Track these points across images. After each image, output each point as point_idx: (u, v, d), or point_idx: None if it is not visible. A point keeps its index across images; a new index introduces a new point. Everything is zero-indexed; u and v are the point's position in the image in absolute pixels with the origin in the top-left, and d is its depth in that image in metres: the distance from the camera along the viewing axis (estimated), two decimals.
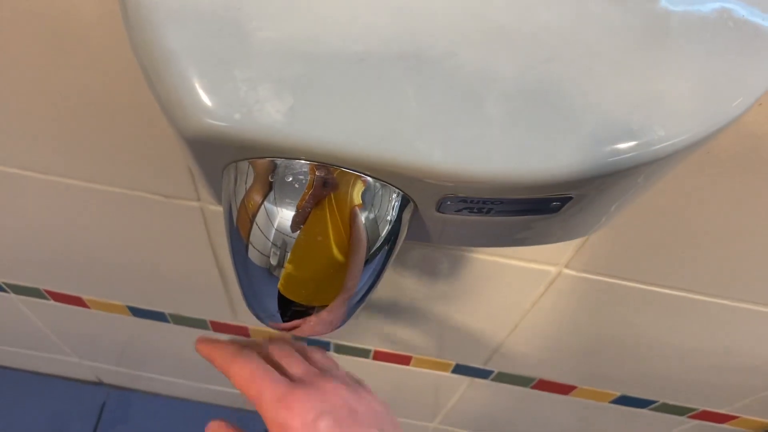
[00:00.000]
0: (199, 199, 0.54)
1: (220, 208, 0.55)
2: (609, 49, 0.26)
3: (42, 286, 0.84)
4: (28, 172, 0.55)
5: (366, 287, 0.33)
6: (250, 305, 0.34)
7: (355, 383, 0.40)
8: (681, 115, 0.26)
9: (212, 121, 0.26)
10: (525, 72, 0.26)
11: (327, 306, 0.33)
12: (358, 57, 0.26)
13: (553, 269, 0.56)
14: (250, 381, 0.36)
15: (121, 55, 0.40)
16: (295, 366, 0.39)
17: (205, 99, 0.26)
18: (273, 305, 0.33)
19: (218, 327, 0.87)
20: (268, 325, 0.35)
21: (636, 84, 0.26)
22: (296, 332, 0.35)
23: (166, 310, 0.84)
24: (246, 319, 0.83)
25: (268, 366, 0.38)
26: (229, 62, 0.26)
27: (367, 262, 0.32)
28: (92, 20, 0.38)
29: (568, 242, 0.52)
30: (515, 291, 0.61)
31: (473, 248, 0.56)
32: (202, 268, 0.68)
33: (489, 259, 0.56)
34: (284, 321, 0.34)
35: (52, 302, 0.88)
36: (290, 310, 0.33)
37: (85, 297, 0.85)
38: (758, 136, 0.39)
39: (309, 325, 0.34)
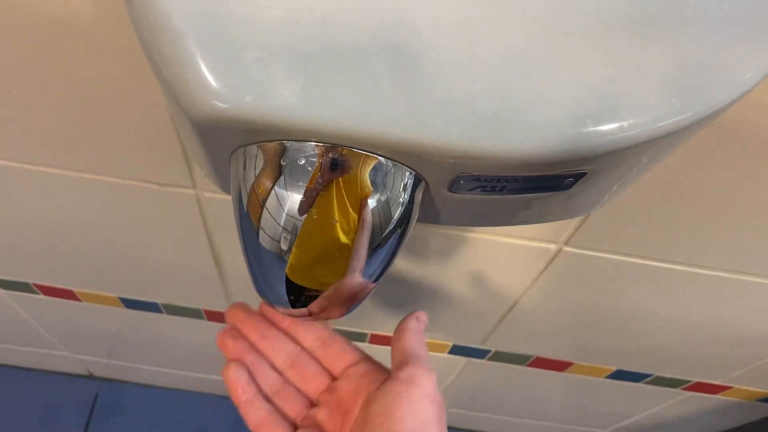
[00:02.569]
0: (194, 187, 0.53)
1: (216, 195, 0.54)
2: (623, 22, 0.26)
3: (31, 281, 0.82)
4: (15, 163, 0.54)
5: (378, 271, 0.33)
6: (261, 291, 0.34)
7: None
8: (696, 87, 0.26)
9: (222, 104, 0.25)
10: (542, 46, 0.25)
11: (339, 291, 0.32)
12: (371, 34, 0.25)
13: (552, 246, 0.56)
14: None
15: (112, 41, 0.39)
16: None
17: (214, 81, 0.25)
18: (284, 290, 0.32)
19: (212, 316, 0.86)
20: (279, 311, 0.35)
21: (651, 57, 0.26)
22: (307, 318, 0.34)
23: (160, 301, 0.84)
24: None
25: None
26: (238, 42, 0.25)
27: (379, 245, 0.31)
28: (85, 7, 0.37)
29: (568, 219, 0.52)
30: (514, 269, 0.61)
31: (472, 228, 0.55)
32: (197, 256, 0.67)
33: (488, 238, 0.56)
34: (296, 307, 0.33)
35: (41, 296, 0.87)
36: (302, 295, 0.32)
37: (76, 290, 0.83)
38: (760, 106, 0.39)
39: (320, 310, 0.34)
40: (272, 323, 0.42)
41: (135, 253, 0.70)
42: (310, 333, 0.41)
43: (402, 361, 0.36)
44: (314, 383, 0.40)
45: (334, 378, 0.40)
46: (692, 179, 0.47)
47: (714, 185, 0.47)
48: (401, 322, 0.39)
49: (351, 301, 0.33)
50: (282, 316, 0.41)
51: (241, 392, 0.38)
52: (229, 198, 0.55)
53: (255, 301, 0.81)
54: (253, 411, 0.38)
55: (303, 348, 0.41)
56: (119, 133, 0.48)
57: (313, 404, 0.39)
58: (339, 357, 0.40)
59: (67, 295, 0.85)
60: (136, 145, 0.49)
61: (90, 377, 1.34)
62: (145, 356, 1.17)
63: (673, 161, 0.45)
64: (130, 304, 0.86)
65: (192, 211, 0.57)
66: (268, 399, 0.39)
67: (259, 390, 0.39)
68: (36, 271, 0.79)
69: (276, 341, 0.41)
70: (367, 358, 0.40)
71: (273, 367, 0.40)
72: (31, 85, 0.43)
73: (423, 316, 0.40)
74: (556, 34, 0.26)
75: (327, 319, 0.34)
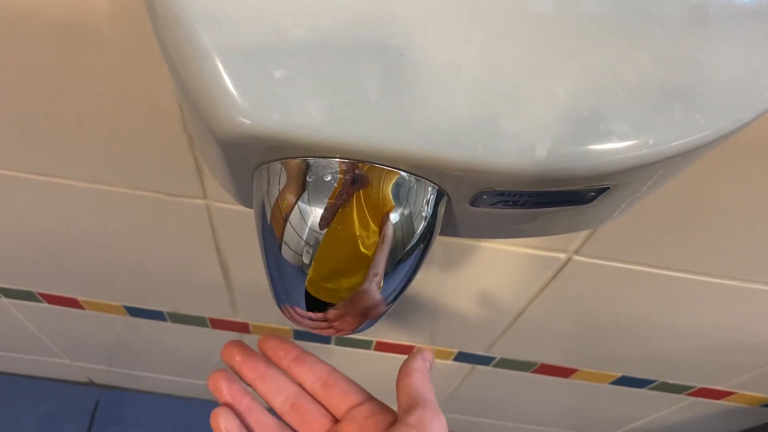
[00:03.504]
0: (205, 197, 0.53)
1: (226, 206, 0.54)
2: (649, 38, 0.26)
3: (36, 289, 0.82)
4: (25, 173, 0.54)
5: (401, 286, 0.33)
6: (282, 304, 0.34)
7: None
8: (720, 103, 0.26)
9: (248, 122, 0.26)
10: (565, 64, 0.26)
11: (361, 305, 0.32)
12: (397, 52, 0.25)
13: (562, 256, 0.56)
14: None
15: (125, 50, 0.39)
16: None
17: (241, 99, 0.25)
18: (304, 303, 0.32)
19: (217, 324, 0.86)
20: (297, 323, 0.35)
21: (675, 74, 0.26)
22: (326, 332, 0.35)
23: (165, 309, 0.83)
24: (246, 315, 0.82)
25: None
26: (265, 61, 0.25)
27: (401, 260, 0.31)
28: (99, 17, 0.37)
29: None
30: (523, 278, 0.61)
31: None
32: (205, 265, 0.67)
33: (497, 247, 0.56)
34: (316, 321, 0.33)
35: (45, 305, 0.87)
36: (323, 309, 0.32)
37: (80, 298, 0.83)
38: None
39: (340, 324, 0.34)
40: (271, 362, 0.40)
41: (142, 262, 0.70)
42: (311, 373, 0.39)
43: (410, 405, 0.34)
44: (315, 426, 0.38)
45: (336, 420, 0.38)
46: (701, 188, 0.47)
47: (722, 194, 0.47)
48: (406, 362, 0.38)
49: (373, 315, 0.33)
50: (281, 354, 0.40)
51: None
52: (239, 209, 0.55)
53: (261, 309, 0.81)
54: None
55: (303, 389, 0.39)
56: (129, 144, 0.48)
57: None
58: (342, 397, 0.38)
59: (72, 303, 0.85)
60: (146, 155, 0.49)
61: (90, 385, 1.34)
62: (146, 364, 1.17)
63: (682, 172, 0.45)
64: (135, 312, 0.86)
65: (202, 221, 0.57)
66: None
67: None
68: (41, 279, 0.79)
69: (275, 382, 0.39)
70: (371, 398, 0.39)
71: (271, 409, 0.39)
72: (42, 95, 0.43)
73: (429, 355, 0.39)
74: (578, 51, 0.26)
75: (342, 331, 0.34)
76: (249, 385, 0.39)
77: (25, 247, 0.69)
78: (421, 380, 0.36)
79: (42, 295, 0.84)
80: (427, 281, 0.65)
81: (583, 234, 0.52)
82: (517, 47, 0.26)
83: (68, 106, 0.44)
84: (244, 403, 0.38)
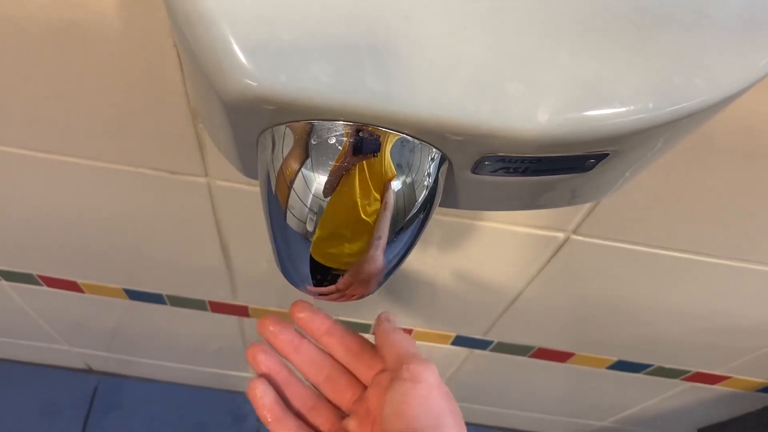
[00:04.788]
0: (206, 175, 0.54)
1: (228, 184, 0.55)
2: (650, 3, 0.26)
3: (35, 272, 0.82)
4: (25, 150, 0.54)
5: (402, 253, 0.33)
6: (286, 271, 0.34)
7: None
8: (720, 68, 0.27)
9: (254, 83, 0.26)
10: (569, 29, 0.26)
11: (361, 272, 0.33)
12: (403, 14, 0.26)
13: (561, 235, 0.56)
14: None
15: (128, 26, 0.39)
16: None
17: (247, 61, 0.26)
18: (308, 270, 0.33)
19: (217, 307, 0.87)
20: (301, 290, 0.35)
21: (676, 38, 0.26)
22: (329, 298, 0.35)
23: (164, 292, 0.84)
24: (246, 298, 0.83)
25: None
26: (272, 23, 0.26)
27: (403, 228, 0.32)
28: None
29: (577, 207, 0.53)
30: (522, 258, 0.62)
31: (480, 217, 0.56)
32: (205, 247, 0.67)
33: (495, 226, 0.57)
34: (319, 286, 0.34)
35: (45, 288, 0.87)
36: (327, 274, 0.33)
37: (80, 281, 0.83)
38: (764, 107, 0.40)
39: (340, 291, 0.34)
40: (305, 334, 0.42)
41: (142, 243, 0.70)
42: (342, 344, 0.41)
43: (398, 362, 0.36)
44: (347, 394, 0.40)
45: (365, 387, 0.40)
46: (699, 168, 0.47)
47: (720, 174, 0.48)
48: (380, 327, 0.39)
49: (375, 281, 0.34)
50: (314, 326, 0.41)
51: (268, 413, 0.38)
52: (240, 187, 0.55)
53: (261, 292, 0.81)
54: (281, 429, 0.38)
55: (336, 360, 0.41)
56: (131, 120, 0.48)
57: (345, 416, 0.40)
58: (369, 365, 0.40)
59: (71, 286, 0.85)
60: (148, 132, 0.49)
61: (89, 371, 1.34)
62: (145, 350, 1.17)
63: (680, 150, 0.46)
64: (135, 295, 0.86)
65: (203, 200, 0.58)
66: (298, 415, 0.39)
67: (289, 407, 0.39)
68: (40, 262, 0.79)
69: (308, 355, 0.41)
70: None
71: (306, 380, 0.41)
72: (45, 71, 0.44)
73: (388, 314, 0.41)
74: (582, 17, 0.26)
75: (353, 297, 0.35)
76: (284, 357, 0.41)
77: (25, 228, 0.69)
78: (399, 338, 0.38)
79: (41, 277, 0.84)
80: (424, 262, 0.66)
81: (582, 212, 0.53)
82: (521, 13, 0.26)
83: (69, 82, 0.44)
84: (280, 377, 0.40)
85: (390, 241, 0.32)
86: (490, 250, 0.61)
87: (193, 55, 0.27)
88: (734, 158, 0.46)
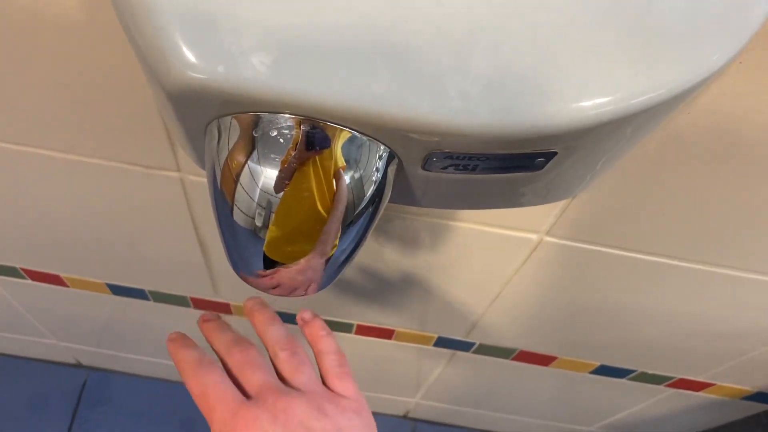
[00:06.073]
0: (179, 170, 0.54)
1: (200, 179, 0.54)
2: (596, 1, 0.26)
3: (18, 265, 0.83)
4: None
5: (351, 247, 0.33)
6: (235, 265, 0.34)
7: (323, 394, 0.37)
8: (663, 67, 0.27)
9: (195, 75, 0.26)
10: (509, 23, 0.26)
11: (311, 266, 0.33)
12: (346, 6, 0.26)
13: (534, 237, 0.56)
14: (202, 398, 0.35)
15: (95, 18, 0.39)
16: (255, 377, 0.36)
17: (188, 52, 0.26)
18: (257, 265, 0.33)
19: (199, 303, 0.86)
20: (252, 285, 0.35)
21: (618, 35, 0.26)
22: (278, 291, 0.35)
23: (147, 287, 0.84)
24: (227, 295, 0.83)
25: (226, 380, 0.36)
26: (212, 14, 0.25)
27: (352, 222, 0.32)
28: None
29: (549, 209, 0.52)
30: (497, 259, 0.61)
31: (454, 217, 0.56)
32: (183, 242, 0.67)
33: (470, 227, 0.57)
34: (266, 280, 0.33)
35: (29, 281, 0.87)
36: (275, 268, 0.33)
37: (63, 275, 0.83)
38: (736, 96, 0.40)
39: (291, 286, 0.34)
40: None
41: (121, 239, 0.70)
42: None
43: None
44: None
45: None
46: (674, 171, 0.47)
47: (696, 178, 0.48)
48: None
49: (324, 277, 0.34)
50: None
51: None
52: None
53: (241, 289, 0.81)
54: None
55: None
56: (104, 113, 0.48)
57: None
58: None
59: (55, 280, 0.85)
60: (121, 125, 0.49)
61: (78, 366, 1.34)
62: (133, 345, 1.17)
63: (654, 153, 0.45)
64: (118, 290, 0.86)
65: (177, 195, 0.58)
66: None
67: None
68: (23, 255, 0.79)
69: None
70: None
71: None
72: (14, 63, 0.44)
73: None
74: (526, 11, 0.26)
75: (298, 295, 0.35)
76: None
77: (5, 221, 0.69)
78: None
79: (25, 270, 0.84)
80: (401, 263, 0.65)
81: (554, 213, 0.52)
82: (462, 6, 0.26)
83: (39, 73, 0.44)
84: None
85: (341, 235, 0.32)
86: (466, 251, 0.61)
87: (135, 44, 0.27)
88: (705, 161, 0.45)
